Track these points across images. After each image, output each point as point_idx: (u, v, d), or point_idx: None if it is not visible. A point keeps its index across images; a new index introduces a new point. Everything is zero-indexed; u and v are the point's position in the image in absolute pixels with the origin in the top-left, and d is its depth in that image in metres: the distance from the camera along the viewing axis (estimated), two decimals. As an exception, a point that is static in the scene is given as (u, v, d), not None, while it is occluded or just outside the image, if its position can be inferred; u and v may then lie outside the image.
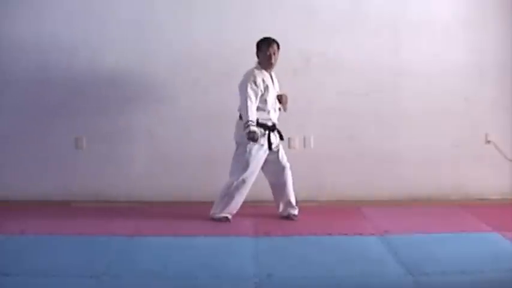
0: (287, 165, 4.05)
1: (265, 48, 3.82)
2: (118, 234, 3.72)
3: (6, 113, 4.60)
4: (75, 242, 3.55)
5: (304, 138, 4.63)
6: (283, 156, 4.05)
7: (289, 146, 4.58)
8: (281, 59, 4.34)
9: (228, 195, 3.93)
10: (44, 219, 4.11)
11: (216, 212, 3.99)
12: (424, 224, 3.98)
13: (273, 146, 3.92)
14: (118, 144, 4.61)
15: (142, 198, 4.57)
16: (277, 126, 3.99)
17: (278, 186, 4.06)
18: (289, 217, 4.07)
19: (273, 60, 3.85)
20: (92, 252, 3.36)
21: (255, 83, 3.77)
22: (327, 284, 2.96)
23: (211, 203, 4.25)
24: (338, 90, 4.58)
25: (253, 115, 3.72)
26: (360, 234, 3.75)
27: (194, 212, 4.26)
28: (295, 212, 4.09)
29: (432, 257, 3.26)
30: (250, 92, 3.74)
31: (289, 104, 4.04)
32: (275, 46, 3.85)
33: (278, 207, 4.11)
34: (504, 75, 4.61)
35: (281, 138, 4.02)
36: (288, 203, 4.08)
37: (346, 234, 3.75)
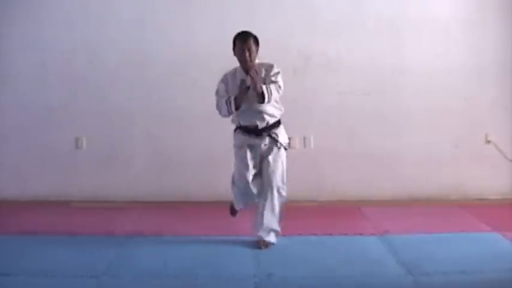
0: (272, 182, 3.44)
1: (239, 45, 3.36)
2: (118, 234, 3.73)
3: (6, 113, 4.60)
4: (75, 242, 3.55)
5: (304, 138, 4.63)
6: (270, 167, 3.45)
7: (289, 146, 4.57)
8: (281, 58, 4.32)
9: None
10: (44, 219, 4.12)
11: None
12: (424, 224, 3.98)
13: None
14: (118, 144, 4.61)
15: (142, 198, 4.57)
16: (268, 130, 3.47)
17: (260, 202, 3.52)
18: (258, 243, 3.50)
19: (247, 58, 3.35)
20: (92, 252, 3.36)
21: (217, 90, 3.48)
22: (327, 284, 2.96)
23: (211, 203, 4.26)
24: (338, 89, 4.58)
25: (225, 109, 3.39)
26: (360, 234, 3.75)
27: (194, 212, 4.26)
28: (268, 238, 3.49)
29: (432, 257, 3.26)
30: (216, 96, 3.48)
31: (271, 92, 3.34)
32: (250, 41, 3.35)
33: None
34: (504, 75, 4.61)
35: (275, 142, 3.43)
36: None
37: (346, 234, 3.75)
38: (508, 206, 4.42)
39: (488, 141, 4.66)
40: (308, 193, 4.58)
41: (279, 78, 3.39)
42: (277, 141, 3.46)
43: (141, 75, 4.55)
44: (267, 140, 3.46)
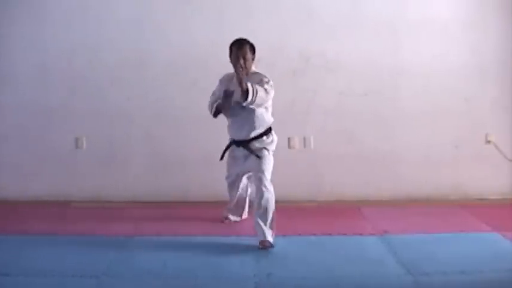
0: (261, 186, 3.47)
1: (234, 52, 3.42)
2: (118, 234, 3.73)
3: (6, 113, 4.60)
4: (75, 242, 3.55)
5: (304, 138, 4.63)
6: (258, 173, 3.50)
7: (289, 146, 4.58)
8: (281, 59, 4.35)
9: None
10: (44, 219, 4.12)
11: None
12: (423, 224, 3.98)
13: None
14: (118, 144, 4.61)
15: (142, 198, 4.57)
16: (254, 140, 3.55)
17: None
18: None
19: (241, 64, 3.33)
20: (92, 252, 3.36)
21: (215, 89, 3.63)
22: (326, 284, 2.96)
23: (211, 203, 4.25)
24: (338, 90, 4.58)
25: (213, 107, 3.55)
26: (360, 234, 3.75)
27: (193, 212, 4.26)
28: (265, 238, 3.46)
29: (432, 257, 3.26)
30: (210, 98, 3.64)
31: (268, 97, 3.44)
32: (246, 49, 3.41)
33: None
34: (504, 75, 4.60)
35: (257, 156, 3.52)
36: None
37: (345, 234, 3.75)
38: (508, 206, 4.41)
39: (488, 142, 4.66)
40: (307, 193, 4.59)
41: (267, 86, 3.40)
42: (259, 156, 3.53)
43: (140, 75, 4.55)
44: (250, 154, 3.57)
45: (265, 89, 3.38)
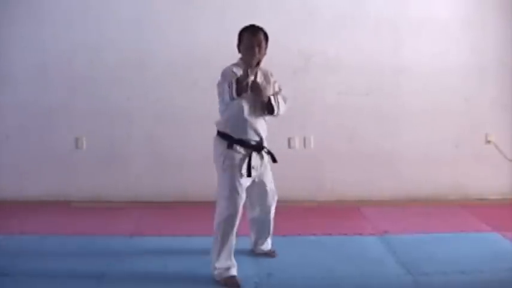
0: (275, 197, 3.23)
1: (247, 39, 2.94)
2: (118, 234, 3.73)
3: (6, 113, 4.60)
4: (75, 242, 3.56)
5: (304, 138, 4.63)
6: (271, 184, 3.20)
7: (289, 146, 4.58)
8: (281, 58, 4.34)
9: None
10: (43, 219, 4.12)
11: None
12: (423, 224, 3.98)
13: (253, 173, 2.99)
14: (118, 144, 4.61)
15: (142, 198, 4.57)
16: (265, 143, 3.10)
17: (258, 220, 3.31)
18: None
19: (256, 54, 2.92)
20: (92, 252, 3.37)
21: (223, 76, 3.00)
22: (326, 284, 2.97)
23: (211, 203, 4.24)
24: (338, 89, 4.58)
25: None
26: (360, 234, 3.76)
27: (193, 212, 4.26)
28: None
29: (432, 257, 3.27)
30: (219, 87, 2.99)
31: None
32: (260, 36, 2.95)
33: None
34: (504, 74, 4.61)
35: (274, 160, 3.12)
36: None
37: (346, 234, 3.75)
38: (508, 206, 4.42)
39: (488, 141, 4.66)
40: (308, 193, 4.58)
41: (283, 92, 3.09)
42: (273, 157, 3.12)
43: (141, 75, 4.54)
44: (265, 157, 3.10)
45: (283, 97, 3.06)
